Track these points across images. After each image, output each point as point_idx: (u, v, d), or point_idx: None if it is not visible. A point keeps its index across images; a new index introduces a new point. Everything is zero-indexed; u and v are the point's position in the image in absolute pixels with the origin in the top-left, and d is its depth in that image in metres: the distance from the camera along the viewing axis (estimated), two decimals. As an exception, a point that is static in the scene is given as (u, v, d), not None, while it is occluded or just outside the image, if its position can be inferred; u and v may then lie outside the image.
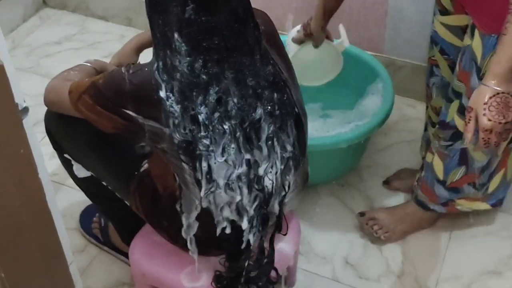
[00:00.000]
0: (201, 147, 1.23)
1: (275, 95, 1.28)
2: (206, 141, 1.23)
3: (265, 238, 1.40)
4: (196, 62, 1.20)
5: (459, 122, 1.66)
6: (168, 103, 1.22)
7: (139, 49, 1.65)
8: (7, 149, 0.93)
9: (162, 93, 1.23)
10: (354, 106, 2.15)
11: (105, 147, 1.51)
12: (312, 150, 1.55)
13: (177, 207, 1.36)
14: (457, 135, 1.68)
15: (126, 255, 1.69)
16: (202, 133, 1.23)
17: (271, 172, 1.32)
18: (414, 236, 1.95)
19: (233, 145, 1.25)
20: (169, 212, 1.38)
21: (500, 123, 1.31)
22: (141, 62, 1.51)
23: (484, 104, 1.32)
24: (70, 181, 1.71)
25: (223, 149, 1.25)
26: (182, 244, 1.40)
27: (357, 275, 1.86)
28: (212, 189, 1.28)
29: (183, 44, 1.19)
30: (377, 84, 2.07)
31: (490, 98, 1.31)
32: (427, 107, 1.98)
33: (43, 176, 1.00)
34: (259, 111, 1.26)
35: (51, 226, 1.07)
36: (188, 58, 1.20)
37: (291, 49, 1.93)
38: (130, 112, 1.26)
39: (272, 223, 1.41)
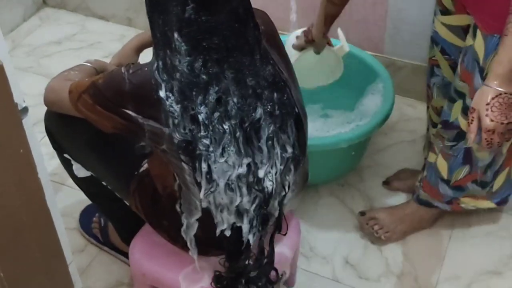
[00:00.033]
0: (201, 147, 1.23)
1: (275, 95, 1.28)
2: (206, 141, 1.23)
3: (264, 238, 1.40)
4: (196, 61, 1.20)
5: (463, 123, 1.66)
6: (168, 102, 1.22)
7: (139, 49, 1.65)
8: (7, 149, 0.93)
9: (162, 93, 1.22)
10: (354, 106, 2.14)
11: (105, 147, 1.51)
12: (312, 150, 1.55)
13: (177, 207, 1.36)
14: (461, 135, 1.69)
15: (126, 255, 1.69)
16: (202, 133, 1.23)
17: (271, 172, 1.32)
18: (414, 236, 1.95)
19: (233, 145, 1.25)
20: (169, 212, 1.38)
21: (502, 123, 1.32)
22: (141, 62, 1.51)
23: (487, 104, 1.32)
24: (70, 181, 1.71)
25: (223, 149, 1.25)
26: (182, 244, 1.40)
27: (357, 275, 1.86)
28: (212, 189, 1.28)
29: (183, 44, 1.19)
30: (377, 84, 2.07)
31: (493, 98, 1.32)
32: (428, 107, 1.98)
33: (42, 176, 1.00)
34: (259, 111, 1.26)
35: (51, 226, 1.07)
36: (188, 58, 1.20)
37: (292, 55, 1.93)
38: (130, 112, 1.26)
39: (272, 223, 1.41)
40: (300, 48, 1.94)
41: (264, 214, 1.36)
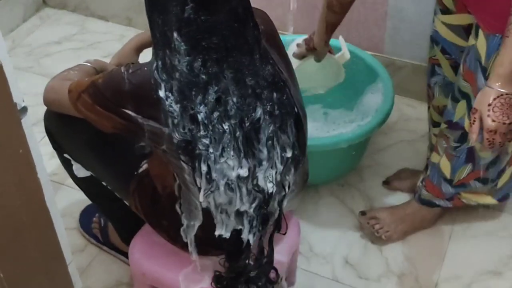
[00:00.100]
0: (200, 147, 1.23)
1: (275, 94, 1.28)
2: (206, 141, 1.23)
3: (264, 238, 1.40)
4: (196, 61, 1.20)
5: (467, 124, 1.67)
6: (167, 102, 1.22)
7: (139, 49, 1.65)
8: (6, 149, 0.93)
9: (161, 93, 1.22)
10: (354, 106, 2.14)
11: (105, 147, 1.50)
12: (312, 150, 1.55)
13: (177, 207, 1.36)
14: (465, 137, 1.69)
15: (125, 255, 1.69)
16: (202, 133, 1.23)
17: (271, 172, 1.32)
18: (414, 236, 1.95)
19: (232, 145, 1.25)
20: (169, 212, 1.38)
21: (504, 123, 1.33)
22: (140, 62, 1.51)
23: (488, 105, 1.34)
24: (70, 181, 1.71)
25: (223, 149, 1.24)
26: (181, 244, 1.40)
27: (357, 275, 1.86)
28: (212, 189, 1.28)
29: (182, 44, 1.19)
30: (377, 84, 2.07)
31: (494, 99, 1.33)
32: (428, 107, 1.98)
33: (42, 176, 1.00)
34: (259, 111, 1.26)
35: (50, 226, 1.06)
36: (187, 58, 1.20)
37: (292, 64, 1.93)
38: (130, 112, 1.26)
39: (271, 223, 1.41)
40: (300, 56, 1.94)
41: (264, 214, 1.36)
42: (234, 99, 1.23)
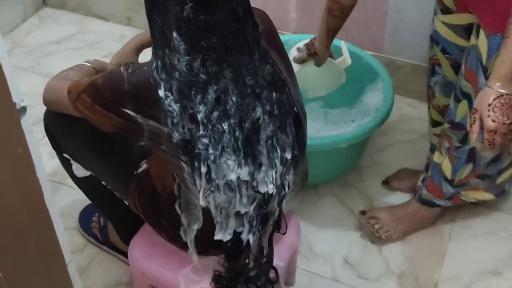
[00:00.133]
0: (200, 146, 1.23)
1: (274, 94, 1.28)
2: (205, 140, 1.23)
3: (264, 237, 1.40)
4: (195, 61, 1.20)
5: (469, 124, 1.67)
6: (166, 102, 1.22)
7: (139, 49, 1.65)
8: (5, 149, 0.92)
9: (161, 92, 1.22)
10: (354, 106, 2.15)
11: (104, 147, 1.50)
12: (312, 150, 1.55)
13: (176, 207, 1.35)
14: (468, 137, 1.69)
15: (125, 254, 1.69)
16: (201, 132, 1.22)
17: (270, 172, 1.32)
18: (414, 236, 1.95)
19: (232, 145, 1.25)
20: (168, 211, 1.38)
21: (504, 124, 1.33)
22: (140, 62, 1.51)
23: (488, 105, 1.34)
24: (70, 181, 1.71)
25: (222, 149, 1.24)
26: (181, 244, 1.40)
27: (357, 275, 1.86)
28: (211, 189, 1.28)
29: (181, 43, 1.19)
30: (377, 83, 2.07)
31: (494, 99, 1.34)
32: (428, 107, 1.98)
33: (41, 176, 1.00)
34: (258, 110, 1.26)
35: (50, 226, 1.06)
36: (186, 57, 1.20)
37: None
38: (129, 111, 1.26)
39: (271, 222, 1.41)
40: (301, 61, 1.94)
41: (263, 214, 1.36)
42: (234, 99, 1.23)
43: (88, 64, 1.55)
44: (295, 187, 1.43)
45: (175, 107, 1.22)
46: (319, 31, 1.83)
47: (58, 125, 1.56)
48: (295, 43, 2.00)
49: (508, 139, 1.37)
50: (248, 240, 1.37)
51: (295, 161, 1.36)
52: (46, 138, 1.61)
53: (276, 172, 1.32)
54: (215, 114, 1.22)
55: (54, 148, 1.62)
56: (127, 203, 1.51)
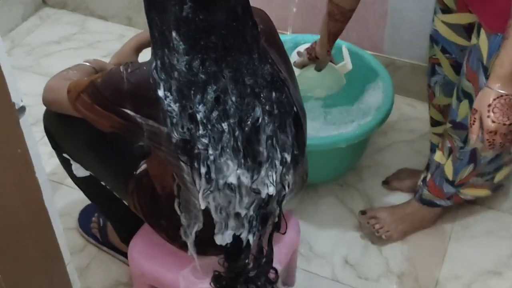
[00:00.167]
0: (199, 146, 1.23)
1: (274, 94, 1.28)
2: (205, 140, 1.23)
3: (263, 237, 1.40)
4: (194, 60, 1.20)
5: None
6: (166, 102, 1.22)
7: (139, 49, 1.65)
8: (4, 149, 0.92)
9: (160, 92, 1.22)
10: (354, 106, 2.14)
11: (104, 147, 1.50)
12: (312, 149, 1.54)
13: (176, 207, 1.35)
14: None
15: (125, 255, 1.69)
16: (201, 132, 1.22)
17: (270, 172, 1.31)
18: (414, 236, 1.95)
19: (232, 145, 1.25)
20: (168, 212, 1.37)
21: (504, 124, 1.33)
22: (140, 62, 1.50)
23: (488, 106, 1.34)
24: (69, 181, 1.71)
25: (222, 149, 1.24)
26: (180, 244, 1.40)
27: (357, 275, 1.86)
28: (211, 189, 1.27)
29: (181, 43, 1.19)
30: (377, 83, 2.07)
31: (494, 100, 1.33)
32: (429, 107, 1.97)
33: (40, 176, 1.00)
34: (258, 110, 1.26)
35: (49, 226, 1.06)
36: (186, 57, 1.20)
37: None
38: (129, 111, 1.26)
39: (271, 222, 1.41)
40: (301, 65, 1.94)
41: (263, 214, 1.36)
42: (233, 99, 1.23)
43: (88, 64, 1.55)
44: (295, 187, 1.42)
45: (175, 107, 1.22)
46: (320, 35, 1.84)
47: (57, 125, 1.56)
48: (294, 43, 2.00)
49: (508, 140, 1.37)
50: (248, 240, 1.36)
51: (295, 161, 1.36)
52: (46, 138, 1.61)
53: (276, 172, 1.32)
54: (215, 114, 1.22)
55: (53, 148, 1.62)
56: (126, 203, 1.51)
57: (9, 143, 0.93)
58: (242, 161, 1.27)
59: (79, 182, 1.66)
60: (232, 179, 1.27)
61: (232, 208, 1.31)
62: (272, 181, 1.32)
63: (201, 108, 1.22)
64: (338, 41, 1.89)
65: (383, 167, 2.16)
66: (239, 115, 1.24)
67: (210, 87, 1.21)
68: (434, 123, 1.96)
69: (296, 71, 1.91)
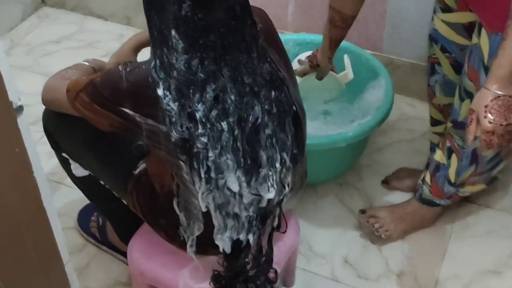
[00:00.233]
0: (199, 145, 1.23)
1: (273, 93, 1.28)
2: (204, 139, 1.23)
3: (263, 237, 1.40)
4: (193, 59, 1.19)
5: None
6: (165, 101, 1.22)
7: (138, 49, 1.65)
8: (2, 148, 0.92)
9: (159, 91, 1.22)
10: (354, 105, 2.14)
11: (103, 146, 1.50)
12: (311, 149, 1.54)
13: (175, 206, 1.35)
14: None
15: (124, 254, 1.69)
16: (200, 131, 1.22)
17: (270, 171, 1.31)
18: (414, 235, 1.95)
19: (231, 144, 1.24)
20: (167, 211, 1.37)
21: (501, 125, 1.33)
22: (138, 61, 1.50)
23: (485, 106, 1.33)
24: (68, 180, 1.70)
25: (222, 148, 1.24)
26: (180, 243, 1.40)
27: (357, 274, 1.86)
28: (211, 188, 1.27)
29: (180, 42, 1.19)
30: (376, 83, 2.07)
31: (491, 100, 1.33)
32: (429, 106, 1.97)
33: (39, 175, 0.99)
34: (257, 109, 1.25)
35: (47, 226, 1.06)
36: (185, 56, 1.19)
37: None
38: (128, 110, 1.26)
39: (270, 222, 1.40)
40: (302, 74, 1.94)
41: (263, 213, 1.36)
42: (232, 97, 1.23)
43: (87, 63, 1.55)
44: (295, 186, 1.42)
45: (174, 106, 1.22)
46: (322, 43, 1.83)
47: (56, 124, 1.56)
48: (294, 43, 1.99)
49: (506, 140, 1.36)
50: (247, 240, 1.36)
51: (295, 160, 1.36)
52: (45, 138, 1.60)
53: (275, 172, 1.32)
54: (214, 112, 1.22)
55: (53, 147, 1.62)
56: (125, 203, 1.51)
57: (7, 142, 0.93)
58: (242, 160, 1.26)
59: (78, 181, 1.65)
60: (232, 178, 1.27)
61: (232, 208, 1.31)
62: (272, 182, 1.31)
63: (200, 107, 1.21)
64: (340, 50, 1.89)
65: (382, 166, 2.16)
66: (238, 114, 1.24)
67: (209, 86, 1.21)
68: (434, 122, 1.96)
69: (297, 79, 1.91)
